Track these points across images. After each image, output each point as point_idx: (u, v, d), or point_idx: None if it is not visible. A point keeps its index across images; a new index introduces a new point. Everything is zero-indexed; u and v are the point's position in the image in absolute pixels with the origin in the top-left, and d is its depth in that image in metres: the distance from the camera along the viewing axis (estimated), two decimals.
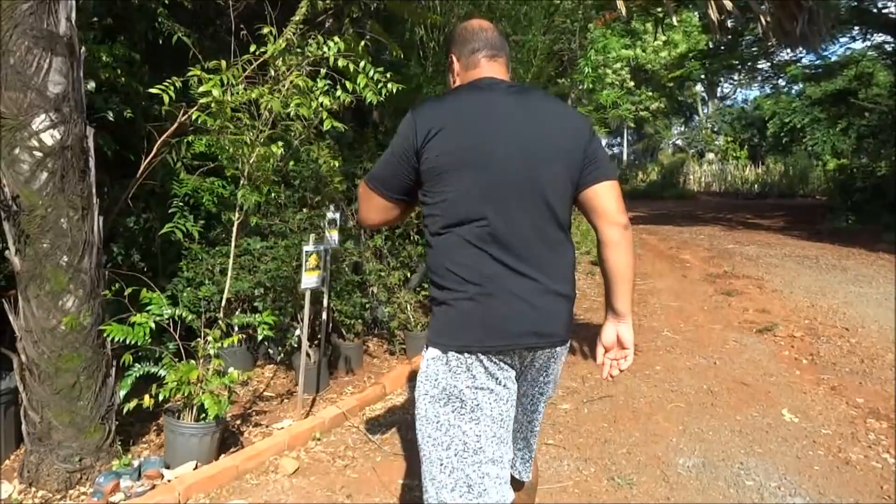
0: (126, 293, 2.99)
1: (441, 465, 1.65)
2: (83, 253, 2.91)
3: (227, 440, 3.45)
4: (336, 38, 2.90)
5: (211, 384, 3.07)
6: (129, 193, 3.46)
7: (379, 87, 3.14)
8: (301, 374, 3.54)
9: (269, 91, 3.22)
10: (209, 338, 3.12)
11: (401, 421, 3.71)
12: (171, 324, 3.08)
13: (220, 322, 3.21)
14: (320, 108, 3.30)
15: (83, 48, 2.88)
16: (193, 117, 3.23)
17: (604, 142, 27.13)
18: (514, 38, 8.14)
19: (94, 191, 2.97)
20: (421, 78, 8.33)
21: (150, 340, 2.96)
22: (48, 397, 2.93)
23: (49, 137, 2.73)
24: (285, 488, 2.99)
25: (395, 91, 3.30)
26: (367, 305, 4.84)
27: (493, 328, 1.63)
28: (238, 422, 3.67)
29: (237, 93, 3.13)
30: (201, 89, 3.04)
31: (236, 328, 3.95)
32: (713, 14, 5.06)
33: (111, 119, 3.74)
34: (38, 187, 2.76)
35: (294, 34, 3.57)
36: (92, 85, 3.70)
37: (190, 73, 3.06)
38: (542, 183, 1.66)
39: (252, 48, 3.22)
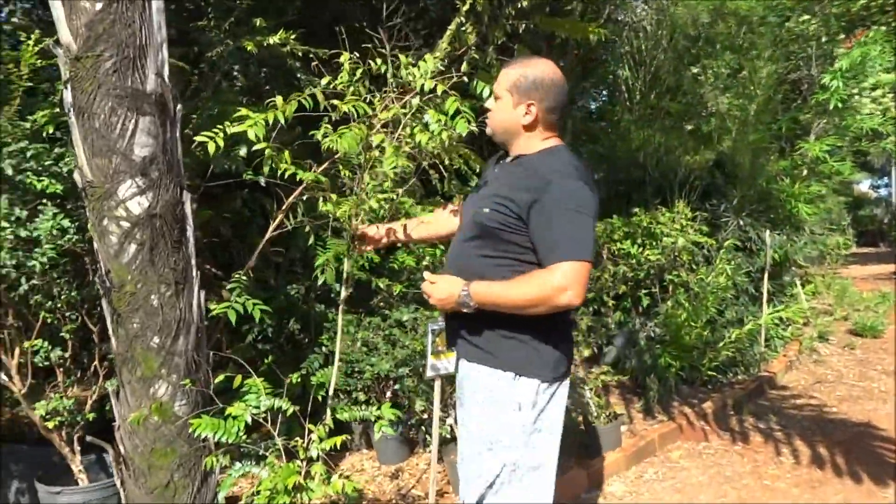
0: (216, 380, 2.58)
1: None
2: (177, 333, 2.57)
3: None
4: (428, 57, 2.26)
5: (312, 494, 2.51)
6: (252, 261, 3.13)
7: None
8: (431, 481, 2.86)
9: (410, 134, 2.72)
10: (313, 436, 2.58)
11: None
12: (270, 417, 2.60)
13: (327, 416, 2.67)
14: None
15: (179, 105, 2.61)
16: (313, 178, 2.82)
17: (866, 182, 23.10)
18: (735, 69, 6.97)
19: (192, 263, 2.65)
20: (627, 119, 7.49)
21: (244, 437, 2.49)
22: (142, 496, 2.60)
23: (136, 205, 2.45)
24: None
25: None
26: None
27: None
28: None
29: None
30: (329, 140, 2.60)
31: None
32: None
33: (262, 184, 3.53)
34: (126, 261, 2.48)
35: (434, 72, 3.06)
36: (244, 151, 3.53)
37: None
38: None
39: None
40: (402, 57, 2.24)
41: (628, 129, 7.10)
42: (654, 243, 5.19)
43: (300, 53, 2.42)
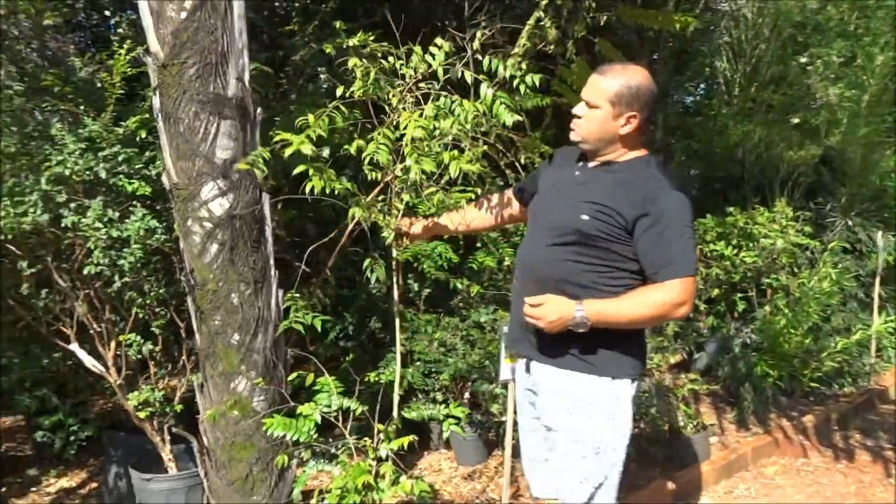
0: (290, 378, 2.63)
1: None
2: (255, 331, 2.64)
3: None
4: (440, 42, 2.20)
5: (382, 495, 2.52)
6: (332, 262, 3.17)
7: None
8: (506, 485, 2.80)
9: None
10: (381, 436, 2.58)
11: None
12: (341, 416, 2.62)
13: (394, 416, 2.67)
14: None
15: (259, 109, 2.67)
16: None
17: None
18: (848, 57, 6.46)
19: (270, 262, 2.71)
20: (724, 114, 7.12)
21: (315, 436, 2.53)
22: (223, 488, 2.69)
23: (217, 207, 2.54)
24: None
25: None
26: None
27: None
28: None
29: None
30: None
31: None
32: None
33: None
34: (208, 260, 2.57)
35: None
36: (326, 152, 3.59)
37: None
38: None
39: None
40: (416, 49, 2.19)
41: (726, 124, 6.74)
42: (752, 245, 4.89)
43: (379, 54, 2.42)
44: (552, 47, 3.07)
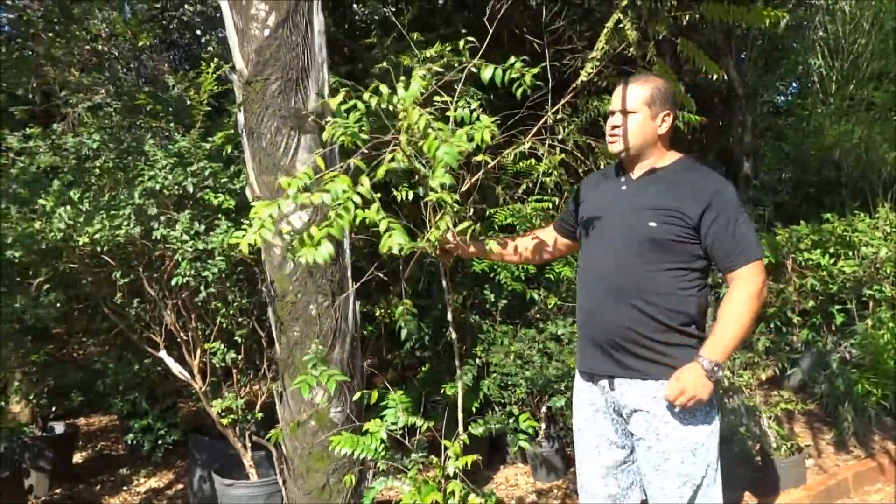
0: (354, 398, 2.62)
1: None
2: (333, 342, 2.66)
3: None
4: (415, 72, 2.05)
5: None
6: (407, 273, 3.17)
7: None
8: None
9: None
10: (449, 453, 2.54)
11: None
12: (407, 433, 2.60)
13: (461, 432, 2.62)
14: None
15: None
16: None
17: None
18: None
19: (348, 274, 2.73)
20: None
21: (383, 453, 2.52)
22: (301, 497, 2.72)
23: (297, 220, 2.58)
24: None
25: None
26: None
27: None
28: None
29: None
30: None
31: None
32: None
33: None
34: (288, 272, 2.61)
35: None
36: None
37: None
38: None
39: None
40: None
41: (821, 124, 6.38)
42: (851, 253, 4.59)
43: (455, 64, 2.40)
44: (632, 50, 2.97)
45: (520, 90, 1.97)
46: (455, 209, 2.06)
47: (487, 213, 3.55)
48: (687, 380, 1.87)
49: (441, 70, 2.20)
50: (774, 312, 4.60)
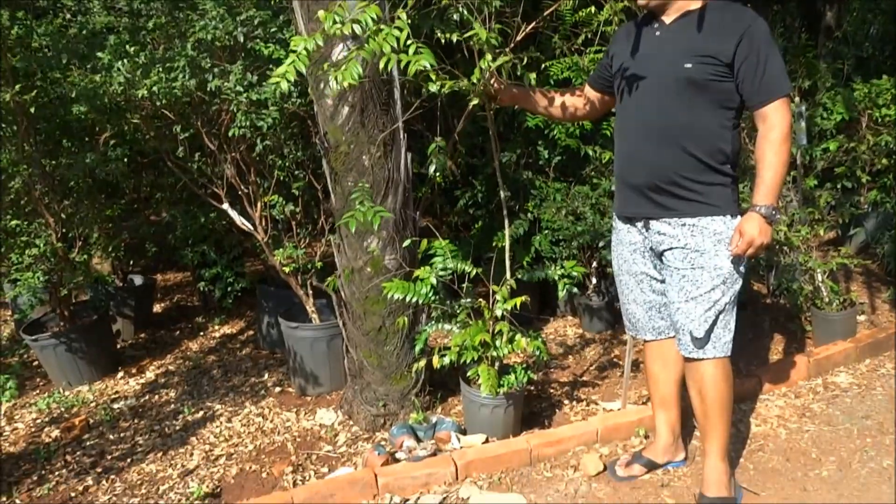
0: (404, 244, 2.71)
1: None
2: (386, 192, 2.73)
3: (542, 413, 3.00)
4: None
5: (499, 351, 2.62)
6: (460, 127, 3.16)
7: None
8: (628, 351, 2.81)
9: None
10: (497, 297, 2.65)
11: (773, 438, 2.67)
12: (456, 279, 2.70)
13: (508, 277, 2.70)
14: None
15: None
16: None
17: None
18: None
19: (399, 125, 2.74)
20: None
21: (433, 298, 2.63)
22: (359, 337, 2.91)
23: (342, 56, 2.56)
24: (579, 492, 2.39)
25: None
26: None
27: None
28: (560, 391, 3.16)
29: None
30: None
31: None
32: None
33: None
34: (340, 122, 2.64)
35: None
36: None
37: None
38: None
39: None
40: None
41: None
42: None
43: None
44: None
45: None
46: (495, 46, 2.07)
47: (543, 65, 3.43)
48: (750, 230, 1.93)
49: None
50: (843, 172, 4.42)
